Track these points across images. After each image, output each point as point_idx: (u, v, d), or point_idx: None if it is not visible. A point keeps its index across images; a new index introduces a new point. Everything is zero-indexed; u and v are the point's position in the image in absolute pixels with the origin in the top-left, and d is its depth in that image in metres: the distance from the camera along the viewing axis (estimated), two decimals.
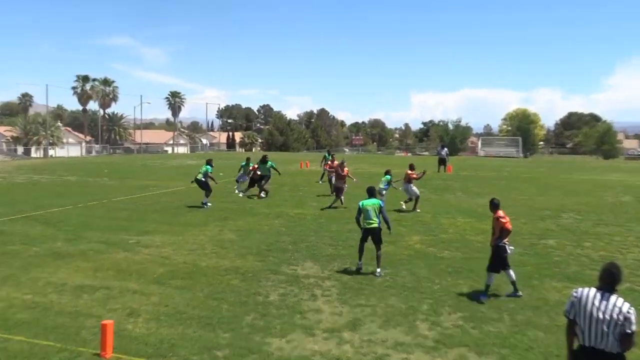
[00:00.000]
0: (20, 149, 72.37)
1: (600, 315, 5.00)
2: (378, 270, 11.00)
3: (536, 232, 15.35)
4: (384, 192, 18.48)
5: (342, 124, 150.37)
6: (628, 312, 4.93)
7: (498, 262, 9.68)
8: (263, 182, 22.77)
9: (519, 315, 8.73)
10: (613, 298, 5.04)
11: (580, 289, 5.26)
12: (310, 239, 14.25)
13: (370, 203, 11.16)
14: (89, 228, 15.67)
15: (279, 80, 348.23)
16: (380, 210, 11.14)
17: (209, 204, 19.74)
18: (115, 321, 7.80)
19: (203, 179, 20.06)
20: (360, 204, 11.26)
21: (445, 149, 38.72)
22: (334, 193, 20.85)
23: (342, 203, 19.79)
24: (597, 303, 5.07)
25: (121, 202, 21.21)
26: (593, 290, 5.17)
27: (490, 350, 7.40)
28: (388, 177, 18.99)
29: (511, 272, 9.70)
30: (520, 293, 9.65)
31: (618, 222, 16.77)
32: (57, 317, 8.52)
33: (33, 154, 70.52)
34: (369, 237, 11.18)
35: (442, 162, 36.13)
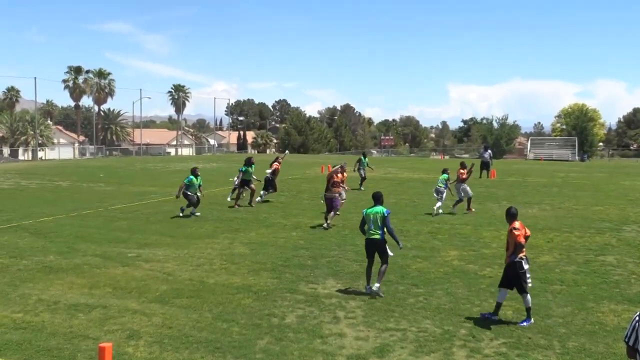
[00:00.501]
0: (6, 151, 73.83)
1: None
2: (377, 285, 10.95)
3: (593, 247, 15.29)
4: (444, 191, 20.69)
5: (370, 122, 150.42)
6: None
7: (515, 280, 9.69)
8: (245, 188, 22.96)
9: (572, 342, 8.75)
10: None
11: None
12: (332, 254, 14.40)
13: (373, 211, 11.21)
14: (83, 239, 16.03)
15: (298, 71, 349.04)
16: (384, 221, 11.10)
17: (197, 213, 20.15)
18: (114, 344, 8.02)
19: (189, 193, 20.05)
20: (364, 211, 11.47)
21: (489, 151, 38.61)
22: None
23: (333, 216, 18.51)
24: None
25: (119, 210, 21.61)
26: None
27: None
28: (445, 175, 20.91)
29: (528, 298, 9.65)
30: (532, 320, 9.55)
31: None
32: (50, 338, 8.78)
33: (20, 156, 71.96)
34: (374, 251, 11.25)
35: (485, 166, 35.99)
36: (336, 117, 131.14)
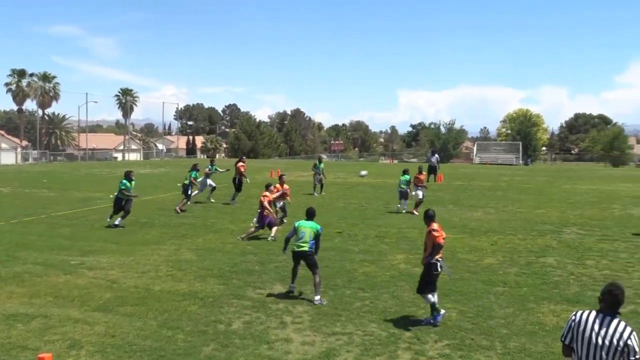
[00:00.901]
0: None
1: (600, 341, 5.16)
2: (317, 298, 10.92)
3: (535, 249, 15.69)
4: (407, 191, 22.62)
5: (320, 126, 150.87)
6: (630, 339, 5.09)
7: (429, 281, 9.84)
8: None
9: (512, 342, 8.94)
10: (614, 322, 5.20)
11: (579, 312, 5.45)
12: (280, 259, 14.34)
13: (308, 225, 11.35)
14: (24, 247, 15.58)
15: (248, 76, 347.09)
16: (316, 237, 11.26)
17: (120, 225, 19.04)
18: (54, 354, 7.83)
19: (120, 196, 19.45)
20: (297, 224, 11.50)
21: (436, 155, 39.26)
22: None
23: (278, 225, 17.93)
24: (596, 328, 5.24)
25: (62, 217, 21.10)
26: (593, 313, 5.36)
27: None
28: (407, 176, 22.76)
29: (433, 296, 9.83)
30: (441, 314, 9.78)
31: (625, 238, 17.22)
32: None
33: None
34: (301, 262, 11.32)
35: (432, 170, 36.54)
36: (286, 122, 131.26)
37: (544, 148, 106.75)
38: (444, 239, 10.03)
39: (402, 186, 22.75)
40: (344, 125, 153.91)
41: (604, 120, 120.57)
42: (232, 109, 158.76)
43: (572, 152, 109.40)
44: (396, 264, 13.95)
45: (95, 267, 13.47)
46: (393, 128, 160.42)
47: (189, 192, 23.43)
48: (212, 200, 25.66)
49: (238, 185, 25.34)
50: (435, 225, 10.02)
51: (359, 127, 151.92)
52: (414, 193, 22.92)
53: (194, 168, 24.28)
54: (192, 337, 9.06)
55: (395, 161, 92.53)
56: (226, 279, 12.50)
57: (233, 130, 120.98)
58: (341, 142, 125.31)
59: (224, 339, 9.02)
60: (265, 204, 17.08)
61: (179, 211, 22.25)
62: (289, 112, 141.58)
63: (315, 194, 28.25)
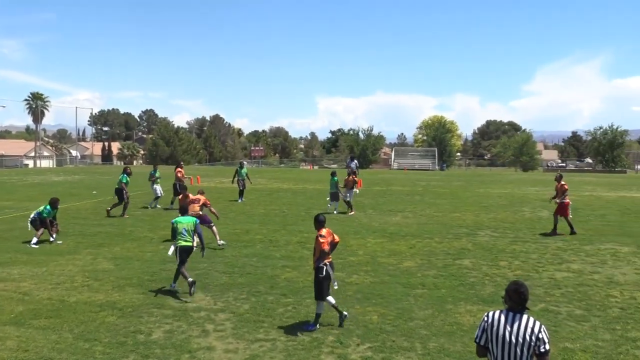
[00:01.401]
0: None
1: (513, 339, 5.39)
2: (173, 285, 12.05)
3: (451, 251, 16.14)
4: (337, 193, 24.01)
5: (240, 132, 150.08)
6: (540, 332, 5.35)
7: (319, 286, 9.91)
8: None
9: (432, 343, 9.16)
10: (524, 319, 5.44)
11: (490, 313, 5.66)
12: (201, 267, 14.16)
13: (185, 221, 12.22)
14: None
15: (165, 81, 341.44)
16: (195, 229, 12.26)
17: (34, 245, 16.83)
18: None
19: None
20: (174, 221, 12.27)
21: (355, 161, 39.81)
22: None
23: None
24: (509, 326, 5.46)
25: None
26: (504, 312, 5.58)
27: None
28: (335, 178, 24.17)
29: (321, 305, 9.94)
30: (317, 327, 9.82)
31: (535, 239, 18.01)
32: None
33: None
34: (187, 257, 12.23)
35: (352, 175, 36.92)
36: (205, 128, 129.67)
37: (458, 154, 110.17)
38: (334, 244, 10.25)
39: (333, 188, 24.14)
40: (264, 131, 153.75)
41: (513, 127, 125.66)
42: (150, 115, 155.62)
43: (485, 157, 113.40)
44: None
45: (5, 279, 12.85)
46: (313, 134, 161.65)
47: (125, 196, 22.89)
48: (158, 206, 25.39)
49: (175, 191, 25.27)
50: (324, 231, 10.10)
51: (279, 133, 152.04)
52: (347, 194, 24.19)
53: (125, 171, 23.72)
54: (110, 349, 8.79)
55: (316, 167, 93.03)
56: (145, 288, 12.20)
57: (150, 136, 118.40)
58: (261, 148, 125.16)
59: (144, 349, 8.80)
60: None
61: (126, 216, 22.57)
62: (208, 118, 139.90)
63: (240, 200, 27.99)
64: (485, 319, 5.63)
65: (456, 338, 9.38)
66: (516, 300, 5.56)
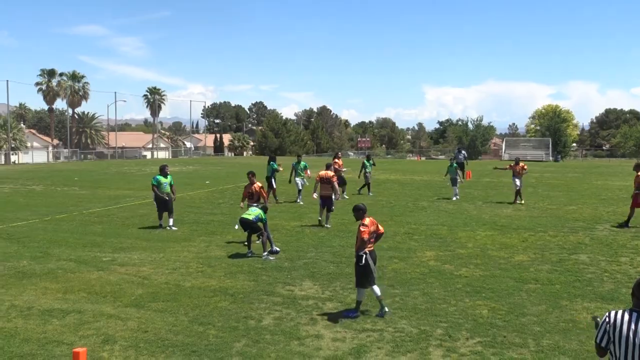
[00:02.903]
0: None
1: (637, 341, 5.08)
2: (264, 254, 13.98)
3: (566, 246, 15.49)
4: (456, 177, 25.80)
5: (347, 123, 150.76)
6: None
7: (359, 273, 9.90)
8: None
9: (545, 340, 8.84)
10: None
11: (612, 312, 5.33)
12: (309, 256, 14.40)
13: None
14: (58, 244, 15.84)
15: (275, 74, 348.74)
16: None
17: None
18: (89, 349, 7.94)
19: None
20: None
21: (464, 152, 39.17)
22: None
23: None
24: (633, 326, 5.14)
25: (94, 214, 21.40)
26: (627, 312, 5.26)
27: None
28: (455, 164, 26.49)
29: (361, 291, 9.94)
30: (387, 310, 9.92)
31: None
32: (24, 344, 8.65)
33: None
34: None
35: (460, 167, 36.25)
36: (313, 119, 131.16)
37: (574, 144, 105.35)
38: (378, 234, 10.31)
39: (452, 174, 25.93)
40: (370, 122, 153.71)
41: (635, 116, 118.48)
42: (259, 107, 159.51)
43: (604, 148, 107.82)
44: (425, 261, 13.88)
45: (127, 264, 13.64)
46: (420, 125, 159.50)
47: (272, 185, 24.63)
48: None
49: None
50: (366, 221, 10.07)
51: (386, 124, 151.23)
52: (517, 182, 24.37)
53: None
54: (223, 333, 9.12)
55: (423, 158, 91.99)
56: (256, 276, 12.56)
57: (260, 128, 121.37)
58: (368, 139, 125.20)
59: (254, 334, 9.06)
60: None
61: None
62: (315, 110, 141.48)
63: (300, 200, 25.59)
64: (607, 319, 5.32)
65: (572, 336, 8.99)
66: None
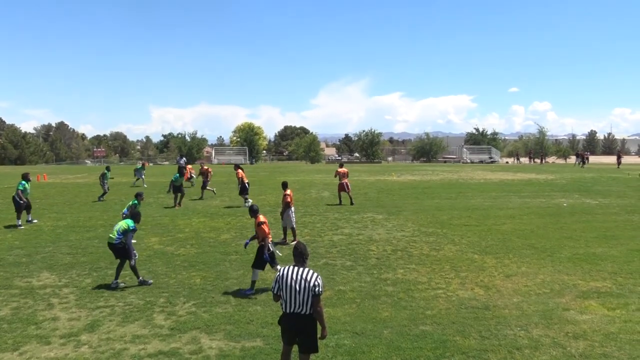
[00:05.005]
0: None
1: (297, 286, 5.56)
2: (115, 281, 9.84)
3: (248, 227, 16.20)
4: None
5: (83, 136, 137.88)
6: (315, 280, 5.56)
7: (262, 259, 9.52)
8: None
9: (244, 297, 9.14)
10: (304, 271, 5.65)
11: (281, 268, 5.79)
12: (47, 250, 12.76)
13: (123, 221, 9.95)
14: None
15: (13, 91, 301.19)
16: (125, 232, 9.71)
17: None
18: None
19: None
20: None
21: (184, 158, 38.64)
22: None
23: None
24: (294, 276, 5.63)
25: None
26: (291, 267, 5.73)
27: (218, 329, 7.63)
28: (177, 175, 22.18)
29: (257, 273, 9.50)
30: (253, 290, 9.34)
31: (319, 212, 18.79)
32: None
33: None
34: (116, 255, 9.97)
35: (180, 170, 35.80)
36: (52, 133, 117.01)
37: (264, 151, 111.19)
38: (268, 226, 9.71)
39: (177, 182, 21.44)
40: (105, 135, 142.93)
41: (303, 131, 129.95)
42: None
43: (284, 154, 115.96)
44: (151, 245, 13.33)
45: None
46: (148, 137, 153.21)
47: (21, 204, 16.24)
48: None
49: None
50: (261, 218, 9.63)
51: (119, 137, 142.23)
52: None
53: (25, 178, 16.70)
54: None
55: (151, 164, 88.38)
56: None
57: None
58: (103, 149, 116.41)
59: None
60: None
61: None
62: (54, 125, 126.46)
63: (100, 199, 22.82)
64: (278, 272, 5.75)
65: (261, 290, 9.40)
66: (297, 257, 5.76)
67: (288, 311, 5.60)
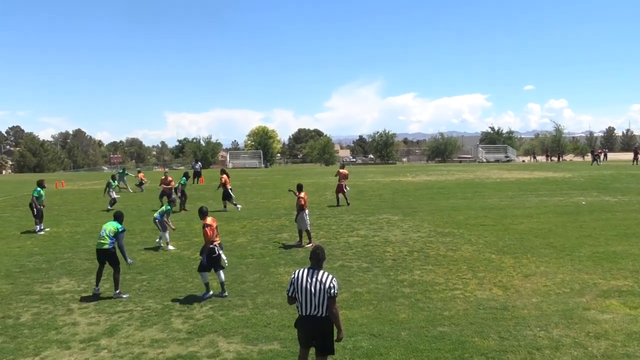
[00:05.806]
0: None
1: (312, 289, 5.55)
2: (116, 292, 9.54)
3: (273, 228, 16.30)
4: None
5: (100, 143, 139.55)
6: (331, 282, 5.55)
7: (209, 262, 9.43)
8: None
9: (259, 299, 9.18)
10: (320, 273, 5.64)
11: (296, 270, 5.78)
12: (65, 256, 12.94)
13: (109, 224, 9.72)
14: None
15: (30, 100, 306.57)
16: (116, 235, 9.53)
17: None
18: None
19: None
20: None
21: (199, 162, 39.04)
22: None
23: None
24: (309, 279, 5.62)
25: None
26: (306, 269, 5.73)
27: (235, 332, 7.66)
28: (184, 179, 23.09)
29: (221, 274, 9.47)
30: (226, 294, 9.35)
31: (334, 214, 18.78)
32: None
33: None
34: (104, 261, 9.63)
35: (196, 174, 36.22)
36: (69, 140, 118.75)
37: (278, 154, 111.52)
38: (214, 230, 9.61)
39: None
40: (121, 141, 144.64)
41: (317, 133, 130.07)
42: (16, 130, 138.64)
43: (298, 156, 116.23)
44: (168, 250, 13.43)
45: None
46: (163, 143, 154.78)
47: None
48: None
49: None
50: (208, 220, 9.62)
51: (135, 143, 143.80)
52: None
53: (40, 185, 16.95)
54: None
55: (167, 169, 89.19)
56: (14, 279, 10.86)
57: (17, 149, 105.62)
58: (119, 155, 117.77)
59: (13, 331, 7.84)
60: None
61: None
62: (71, 132, 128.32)
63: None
64: (293, 275, 5.74)
65: (277, 293, 9.48)
66: (314, 259, 5.74)
67: (304, 314, 5.59)
